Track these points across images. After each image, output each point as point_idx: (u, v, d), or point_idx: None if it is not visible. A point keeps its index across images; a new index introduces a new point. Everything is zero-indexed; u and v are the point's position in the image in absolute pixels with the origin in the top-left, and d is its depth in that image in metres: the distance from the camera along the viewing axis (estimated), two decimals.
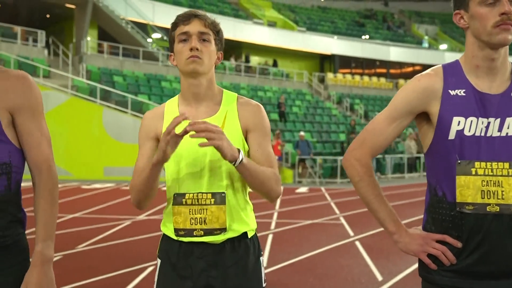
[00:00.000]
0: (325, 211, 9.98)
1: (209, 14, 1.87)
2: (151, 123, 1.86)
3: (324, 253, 6.33)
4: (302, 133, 17.87)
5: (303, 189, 14.49)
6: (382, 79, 32.35)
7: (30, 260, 1.68)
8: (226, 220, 1.78)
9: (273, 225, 8.21)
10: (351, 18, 38.85)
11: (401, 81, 32.55)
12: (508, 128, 1.60)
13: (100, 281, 4.98)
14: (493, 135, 1.60)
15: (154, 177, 1.75)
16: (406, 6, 43.36)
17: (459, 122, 1.61)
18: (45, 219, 1.67)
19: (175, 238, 1.81)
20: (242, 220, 1.82)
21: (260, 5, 33.20)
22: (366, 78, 31.84)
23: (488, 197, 1.58)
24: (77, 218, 8.70)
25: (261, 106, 1.91)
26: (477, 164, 1.59)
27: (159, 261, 1.87)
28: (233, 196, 1.81)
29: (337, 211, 10.04)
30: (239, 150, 1.70)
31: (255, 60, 30.09)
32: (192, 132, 1.64)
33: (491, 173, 1.59)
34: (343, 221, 8.75)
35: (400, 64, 35.00)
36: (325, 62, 33.51)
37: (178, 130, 1.68)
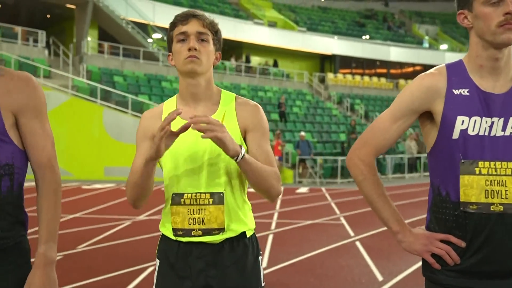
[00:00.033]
0: (326, 211, 9.98)
1: (207, 14, 1.87)
2: (149, 123, 1.86)
3: (324, 253, 6.33)
4: (302, 133, 17.87)
5: (303, 189, 14.48)
6: (383, 79, 32.34)
7: (32, 260, 1.68)
8: (224, 220, 1.77)
9: (273, 225, 8.21)
10: (352, 18, 38.85)
11: (401, 81, 32.55)
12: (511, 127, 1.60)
13: (101, 281, 4.98)
14: (497, 134, 1.60)
15: (148, 174, 1.75)
16: (407, 6, 43.36)
17: (463, 121, 1.61)
18: (48, 221, 1.66)
19: (174, 238, 1.81)
20: (241, 220, 1.82)
21: (261, 5, 33.20)
22: (366, 78, 31.83)
23: (492, 196, 1.58)
24: (77, 218, 8.71)
25: (259, 106, 1.91)
26: (480, 163, 1.59)
27: (158, 261, 1.87)
28: (231, 196, 1.81)
29: (337, 211, 10.04)
30: (240, 146, 1.70)
31: (255, 60, 30.08)
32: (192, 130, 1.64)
33: (495, 173, 1.58)
34: (343, 221, 8.74)
35: (401, 64, 35.00)
36: (326, 62, 33.51)
37: (174, 128, 1.68)
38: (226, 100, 1.87)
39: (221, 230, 1.77)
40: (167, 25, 1.90)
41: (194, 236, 1.77)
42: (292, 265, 5.70)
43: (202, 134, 1.66)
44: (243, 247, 1.82)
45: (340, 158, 17.12)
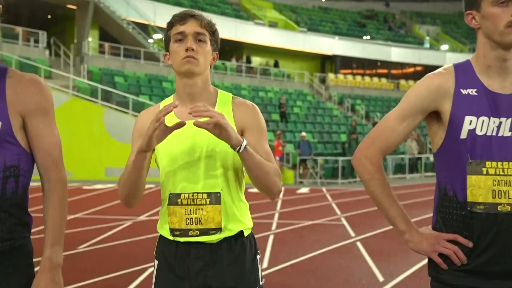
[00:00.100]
0: (326, 212, 9.97)
1: (206, 14, 1.87)
2: (145, 122, 1.84)
3: (325, 254, 6.33)
4: (303, 133, 17.87)
5: (304, 190, 14.48)
6: (383, 80, 32.32)
7: (35, 260, 1.68)
8: (221, 220, 1.77)
9: (274, 226, 8.20)
10: (352, 18, 38.84)
11: (402, 81, 32.54)
12: None
13: (101, 282, 4.98)
14: (505, 135, 1.60)
15: (139, 168, 1.74)
16: (407, 6, 43.33)
17: (470, 121, 1.61)
18: (54, 224, 1.66)
19: (171, 238, 1.81)
20: (238, 219, 1.81)
21: (261, 6, 33.21)
22: (367, 78, 31.82)
23: (499, 196, 1.58)
24: (78, 218, 8.71)
25: (256, 106, 1.91)
26: (488, 163, 1.59)
27: (156, 262, 1.86)
28: (228, 195, 1.80)
29: (338, 211, 10.03)
30: (242, 137, 1.70)
31: (256, 60, 30.08)
32: (191, 128, 1.62)
33: (502, 173, 1.58)
34: (344, 221, 8.74)
35: (402, 65, 34.98)
36: (326, 63, 33.50)
37: (169, 123, 1.67)
38: (223, 100, 1.87)
39: (218, 230, 1.77)
40: None
41: (192, 236, 1.77)
42: (293, 266, 5.69)
43: (200, 129, 1.65)
44: (241, 246, 1.81)
45: (340, 158, 17.11)
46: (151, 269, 5.33)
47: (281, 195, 12.54)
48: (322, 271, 5.49)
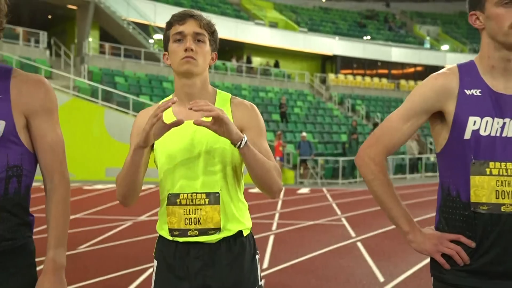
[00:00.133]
0: (327, 212, 9.97)
1: (205, 15, 1.87)
2: (143, 121, 1.83)
3: (325, 254, 6.33)
4: (304, 133, 17.86)
5: (304, 190, 14.48)
6: (384, 80, 32.32)
7: (37, 260, 1.68)
8: (220, 220, 1.77)
9: (274, 226, 8.20)
10: (353, 19, 38.84)
11: (402, 81, 32.54)
12: None
13: (101, 282, 4.98)
14: (508, 135, 1.60)
15: (137, 165, 1.73)
16: (408, 6, 43.33)
17: (474, 122, 1.61)
18: (57, 226, 1.66)
19: (170, 238, 1.81)
20: (237, 219, 1.81)
21: (262, 6, 33.20)
22: (367, 78, 31.82)
23: (503, 197, 1.58)
24: (78, 218, 8.71)
25: (254, 106, 1.91)
26: (491, 164, 1.59)
27: (155, 262, 1.86)
28: (227, 196, 1.80)
29: (338, 212, 10.03)
30: (242, 133, 1.70)
31: (256, 61, 30.08)
32: (190, 128, 1.61)
33: (506, 173, 1.59)
34: (344, 222, 8.74)
35: (402, 65, 34.98)
36: (327, 63, 33.51)
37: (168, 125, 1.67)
38: (221, 100, 1.88)
39: (217, 230, 1.77)
40: None
41: (191, 236, 1.77)
42: (293, 266, 5.69)
43: (199, 128, 1.65)
44: (240, 246, 1.82)
45: (341, 158, 17.11)
46: (151, 269, 5.32)
47: (281, 195, 12.54)
48: (323, 271, 5.49)
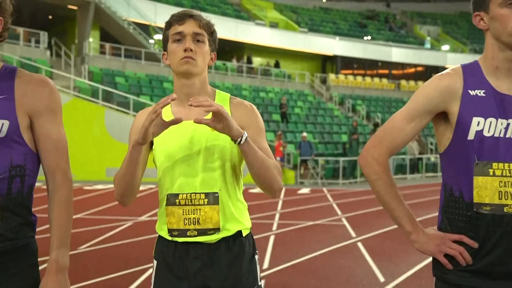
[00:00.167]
0: (327, 212, 9.97)
1: (204, 15, 1.86)
2: (142, 121, 1.83)
3: (326, 254, 6.33)
4: (304, 134, 17.86)
5: (305, 190, 14.48)
6: (384, 80, 32.33)
7: (40, 260, 1.68)
8: (219, 220, 1.77)
9: (275, 226, 8.20)
10: (353, 19, 38.85)
11: (403, 82, 32.54)
12: None
13: (102, 282, 4.98)
14: None
15: (135, 162, 1.73)
16: (408, 7, 43.34)
17: (478, 122, 1.61)
18: (60, 227, 1.66)
19: (170, 238, 1.81)
20: (236, 219, 1.81)
21: (262, 6, 33.22)
22: (368, 79, 31.82)
23: (506, 198, 1.58)
24: (79, 219, 8.71)
25: (254, 106, 1.91)
26: (495, 165, 1.59)
27: (155, 262, 1.86)
28: (226, 196, 1.80)
29: (339, 212, 10.03)
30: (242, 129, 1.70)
31: (257, 61, 30.10)
32: (189, 127, 1.60)
33: (509, 174, 1.58)
34: (345, 222, 8.73)
35: (402, 65, 34.99)
36: (327, 63, 33.51)
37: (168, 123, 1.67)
38: (220, 100, 1.88)
39: (216, 230, 1.77)
40: None
41: (190, 236, 1.77)
42: (294, 266, 5.69)
43: (199, 128, 1.64)
44: (239, 246, 1.81)
45: (341, 159, 17.11)
46: (151, 270, 5.34)
47: (282, 195, 12.55)
48: (323, 272, 5.49)
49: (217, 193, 1.78)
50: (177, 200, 1.78)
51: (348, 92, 29.17)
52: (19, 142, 1.62)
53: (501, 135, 1.60)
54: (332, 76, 30.38)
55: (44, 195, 1.71)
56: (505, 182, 1.58)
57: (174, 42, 1.81)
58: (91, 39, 22.75)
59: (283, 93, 25.33)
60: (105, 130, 16.61)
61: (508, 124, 1.60)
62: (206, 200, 1.77)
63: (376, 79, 32.03)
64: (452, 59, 33.84)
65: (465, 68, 1.71)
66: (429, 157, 20.79)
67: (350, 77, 31.09)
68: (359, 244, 6.89)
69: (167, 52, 1.85)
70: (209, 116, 1.70)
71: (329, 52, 31.97)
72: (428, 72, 34.81)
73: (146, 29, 24.35)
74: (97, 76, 19.63)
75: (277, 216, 9.38)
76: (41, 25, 22.56)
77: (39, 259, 1.71)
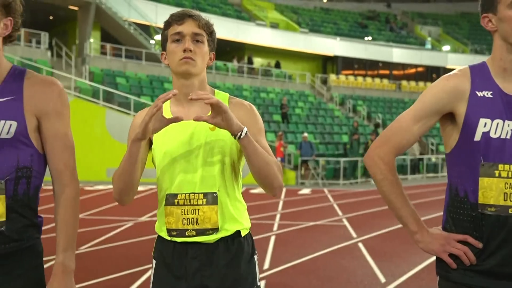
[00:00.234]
0: (328, 213, 9.97)
1: (204, 15, 1.86)
2: (140, 120, 1.86)
3: (326, 254, 6.32)
4: (305, 134, 17.86)
5: (305, 191, 14.48)
6: (385, 81, 32.32)
7: (45, 259, 1.68)
8: (218, 220, 1.77)
9: (275, 227, 8.20)
10: (354, 19, 38.84)
11: (404, 82, 32.53)
12: None
13: (103, 282, 4.98)
14: None
15: (134, 158, 1.72)
16: (409, 7, 43.33)
17: (485, 123, 1.61)
18: (66, 229, 1.65)
19: (169, 238, 1.81)
20: (235, 219, 1.81)
21: (263, 7, 33.23)
22: (369, 79, 31.82)
23: (511, 199, 1.58)
24: (80, 219, 8.69)
25: (253, 105, 1.91)
26: (500, 166, 1.59)
27: (154, 262, 1.86)
28: (225, 196, 1.80)
29: (340, 212, 10.03)
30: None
31: (257, 61, 30.10)
32: (188, 127, 1.59)
33: None
34: (346, 222, 8.73)
35: (403, 65, 34.97)
36: (328, 64, 33.51)
37: (169, 126, 1.66)
38: None
39: (215, 230, 1.77)
40: None
41: (188, 236, 1.77)
42: (294, 267, 5.69)
43: (198, 128, 1.64)
44: (238, 246, 1.81)
45: (342, 159, 17.11)
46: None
47: (282, 196, 12.55)
48: (324, 272, 5.49)
49: (215, 193, 1.77)
50: (175, 200, 1.78)
51: (349, 93, 29.17)
52: (26, 143, 1.61)
53: (508, 137, 1.60)
54: (332, 76, 30.38)
55: (47, 195, 1.71)
56: (510, 183, 1.58)
57: (173, 42, 1.81)
58: (92, 40, 22.76)
59: (283, 94, 25.33)
60: (106, 131, 16.62)
61: None
62: (204, 200, 1.77)
63: (377, 80, 32.02)
64: (453, 60, 33.83)
65: (473, 69, 1.70)
66: (430, 157, 20.78)
67: (351, 78, 31.09)
68: (360, 244, 6.89)
69: (166, 52, 1.85)
70: (208, 114, 1.69)
71: (330, 53, 31.97)
72: (429, 72, 34.81)
73: (147, 30, 24.37)
74: (98, 76, 19.64)
75: (278, 216, 9.37)
76: (42, 26, 22.56)
77: (44, 259, 1.71)
